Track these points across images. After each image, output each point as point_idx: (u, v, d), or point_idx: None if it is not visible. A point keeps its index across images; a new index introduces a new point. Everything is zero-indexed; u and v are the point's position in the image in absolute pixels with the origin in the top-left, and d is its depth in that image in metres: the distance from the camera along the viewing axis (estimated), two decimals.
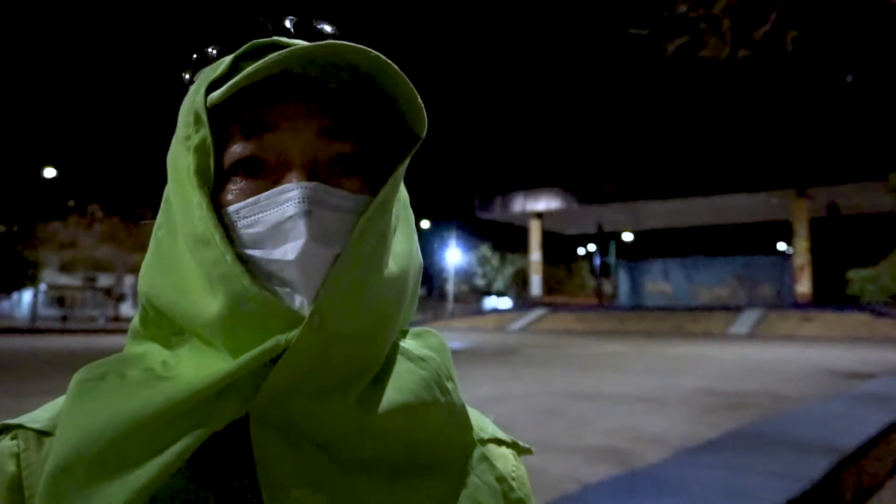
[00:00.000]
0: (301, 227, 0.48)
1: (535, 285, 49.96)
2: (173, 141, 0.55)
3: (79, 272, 51.18)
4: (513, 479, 0.60)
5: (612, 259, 56.75)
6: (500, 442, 0.63)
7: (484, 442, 0.60)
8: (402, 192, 0.58)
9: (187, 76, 0.58)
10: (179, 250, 0.52)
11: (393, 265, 0.53)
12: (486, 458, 0.58)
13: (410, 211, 0.60)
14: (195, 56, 0.57)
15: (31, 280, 40.90)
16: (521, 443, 0.65)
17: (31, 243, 40.95)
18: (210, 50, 0.56)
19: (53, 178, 40.81)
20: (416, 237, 0.59)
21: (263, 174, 0.51)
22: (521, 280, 61.37)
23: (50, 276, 49.89)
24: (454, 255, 62.22)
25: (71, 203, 47.78)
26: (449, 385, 0.56)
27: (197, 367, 0.50)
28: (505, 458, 0.61)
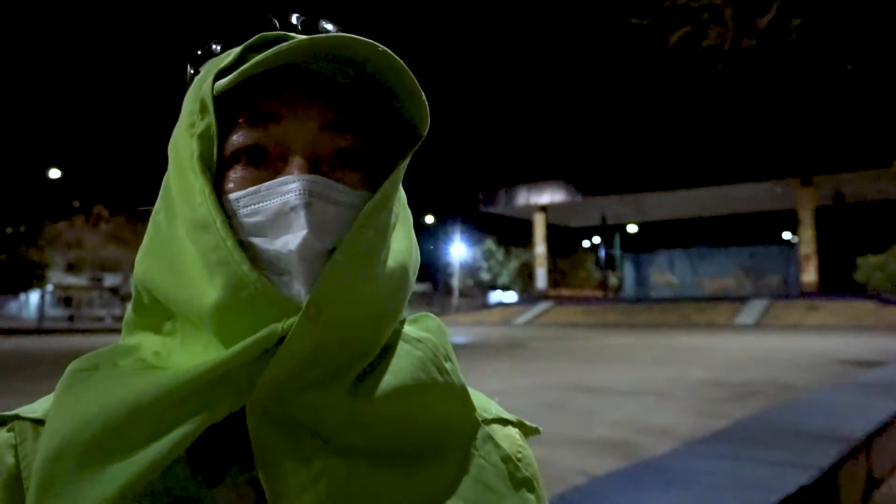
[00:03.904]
0: (302, 219, 0.48)
1: (541, 278, 49.94)
2: (176, 129, 0.55)
3: (85, 272, 51.41)
4: (519, 459, 0.58)
5: (617, 251, 56.65)
6: (505, 422, 0.61)
7: (488, 422, 0.59)
8: (401, 193, 0.58)
9: (191, 71, 0.58)
10: (178, 235, 0.52)
11: (391, 261, 0.53)
12: (490, 439, 0.57)
13: (409, 211, 0.60)
14: (199, 51, 0.57)
15: (38, 280, 41.07)
16: (527, 422, 0.63)
17: (38, 244, 41.11)
18: (214, 45, 0.56)
19: (58, 179, 40.96)
20: (413, 235, 0.59)
21: (265, 164, 0.51)
22: (526, 273, 61.31)
23: (56, 277, 50.09)
24: (459, 250, 62.20)
25: (76, 203, 48.01)
26: (447, 365, 0.55)
27: (190, 356, 0.50)
28: (510, 438, 0.60)
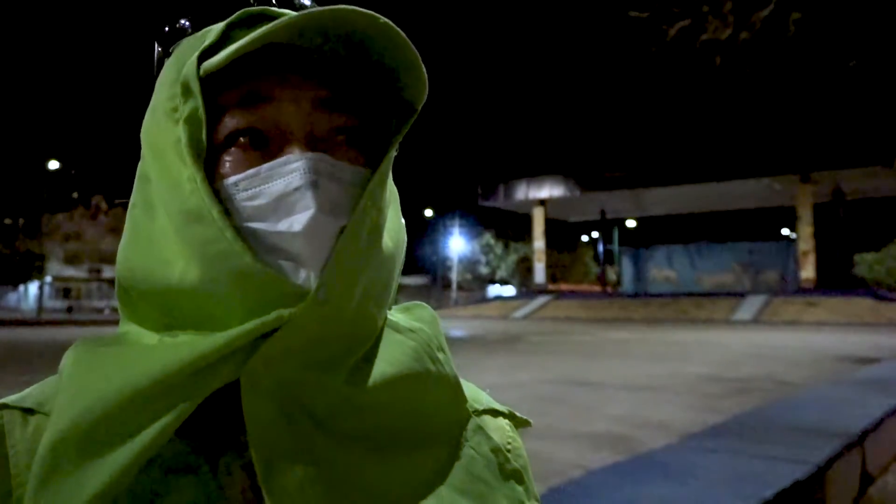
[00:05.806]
0: (308, 199, 0.47)
1: (539, 273, 49.94)
2: (150, 114, 0.52)
3: (84, 264, 51.40)
4: (508, 450, 0.58)
5: (615, 246, 56.69)
6: (496, 413, 0.61)
7: (479, 413, 0.59)
8: None
9: (159, 49, 0.56)
10: (159, 228, 0.50)
11: (388, 240, 0.52)
12: (481, 429, 0.57)
13: (395, 189, 0.59)
14: (167, 28, 0.55)
15: (37, 272, 41.06)
16: (518, 414, 0.63)
17: (37, 236, 41.09)
18: (183, 22, 0.54)
19: (57, 171, 40.93)
20: (401, 214, 0.58)
21: (261, 146, 0.49)
22: (524, 268, 61.35)
23: (55, 268, 50.12)
24: (458, 244, 62.26)
25: (75, 195, 47.96)
26: (440, 356, 0.55)
27: (194, 341, 0.48)
28: (501, 430, 0.60)
